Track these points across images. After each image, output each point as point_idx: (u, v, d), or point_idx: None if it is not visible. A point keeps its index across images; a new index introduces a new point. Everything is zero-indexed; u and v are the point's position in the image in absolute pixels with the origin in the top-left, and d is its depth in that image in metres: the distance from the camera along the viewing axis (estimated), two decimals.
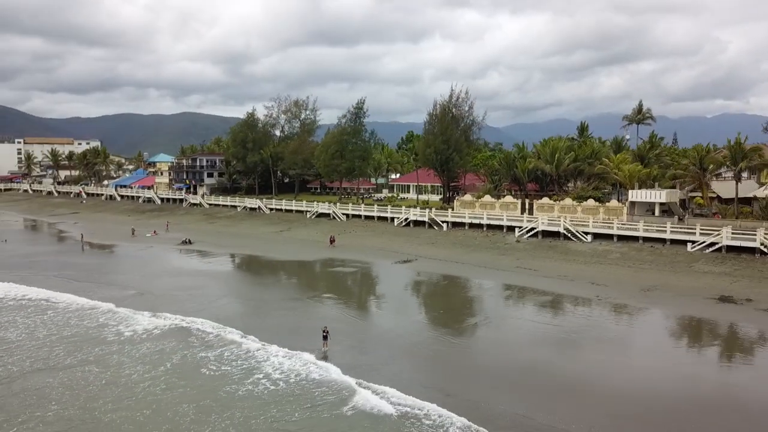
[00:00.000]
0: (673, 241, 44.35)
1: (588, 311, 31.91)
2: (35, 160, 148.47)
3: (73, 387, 21.35)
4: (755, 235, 40.60)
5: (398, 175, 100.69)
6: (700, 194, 54.25)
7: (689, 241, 43.39)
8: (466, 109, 67.49)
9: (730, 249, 41.43)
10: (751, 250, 40.57)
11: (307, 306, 33.43)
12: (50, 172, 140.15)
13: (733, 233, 41.73)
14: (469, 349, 25.93)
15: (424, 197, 78.12)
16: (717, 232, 42.20)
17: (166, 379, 22.01)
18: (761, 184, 54.69)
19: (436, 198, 75.78)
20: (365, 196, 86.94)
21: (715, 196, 53.85)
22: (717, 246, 41.88)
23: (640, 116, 79.09)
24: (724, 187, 54.49)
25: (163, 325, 28.88)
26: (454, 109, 66.18)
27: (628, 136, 77.98)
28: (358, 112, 73.76)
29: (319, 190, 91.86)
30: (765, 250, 39.85)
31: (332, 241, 55.04)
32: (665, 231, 45.06)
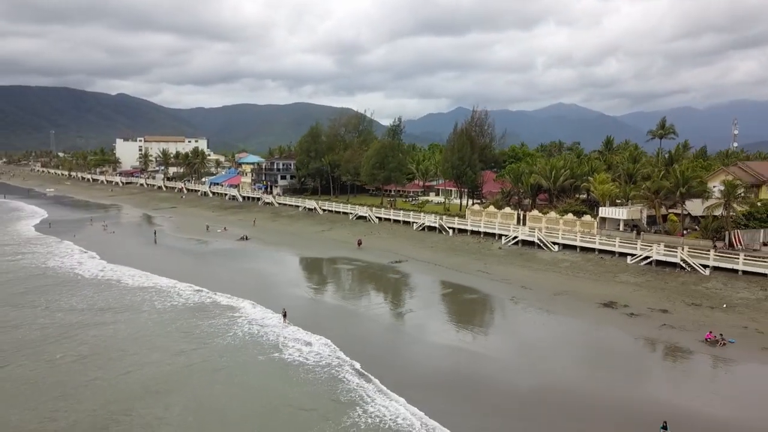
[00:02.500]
0: (621, 254, 52.38)
1: (481, 306, 42.18)
2: (151, 158, 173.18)
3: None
4: (676, 252, 48.11)
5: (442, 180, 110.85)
6: (676, 211, 60.84)
7: (630, 254, 51.40)
8: (485, 128, 76.95)
9: (660, 263, 49.13)
10: (674, 265, 48.13)
11: (292, 290, 45.97)
12: (161, 168, 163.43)
13: (665, 250, 49.34)
14: (358, 314, 37.28)
15: (456, 201, 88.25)
16: (650, 248, 49.96)
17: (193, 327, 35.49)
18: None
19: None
20: (410, 198, 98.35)
21: (687, 213, 60.20)
22: (650, 260, 49.70)
23: (662, 131, 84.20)
24: (696, 206, 60.59)
25: (194, 297, 42.67)
26: (473, 131, 75.91)
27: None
28: (396, 129, 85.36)
29: (374, 192, 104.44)
30: (683, 265, 47.34)
31: (359, 243, 67.08)
32: (614, 245, 53.20)
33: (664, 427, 23.17)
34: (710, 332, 34.02)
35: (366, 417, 24.52)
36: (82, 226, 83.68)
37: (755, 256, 45.85)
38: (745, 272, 44.52)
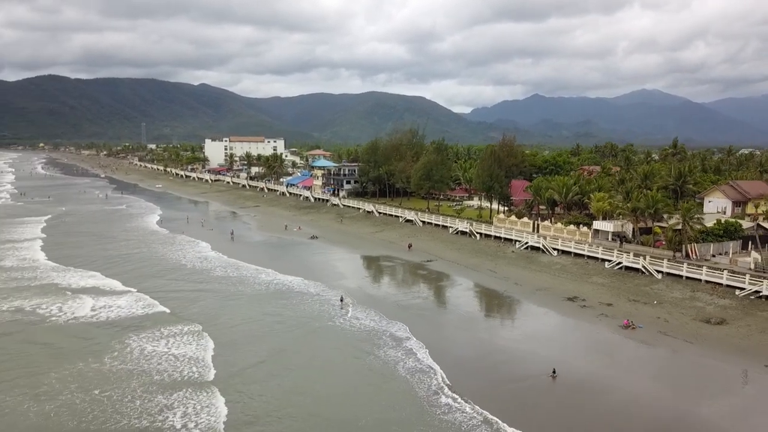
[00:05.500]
0: (602, 260, 66.84)
1: (476, 296, 58.34)
2: (235, 157, 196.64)
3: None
4: (639, 260, 62.27)
5: None
6: (661, 224, 74.11)
7: (607, 260, 65.84)
8: (514, 149, 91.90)
9: (628, 268, 63.37)
10: (638, 270, 62.29)
11: (348, 280, 63.39)
12: (245, 167, 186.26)
13: (633, 258, 63.51)
14: (387, 297, 54.19)
15: (493, 207, 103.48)
16: (622, 256, 64.27)
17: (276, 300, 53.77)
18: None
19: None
20: (456, 203, 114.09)
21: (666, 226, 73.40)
22: (622, 265, 64.02)
23: (674, 150, 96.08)
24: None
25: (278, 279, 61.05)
26: (502, 152, 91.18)
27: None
28: (440, 146, 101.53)
29: (424, 196, 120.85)
30: (644, 270, 61.49)
31: (410, 246, 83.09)
32: (598, 252, 67.71)
33: (554, 372, 38.92)
34: (627, 320, 48.96)
35: (404, 372, 41.23)
36: (187, 222, 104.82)
37: (698, 265, 59.41)
38: (687, 277, 58.25)
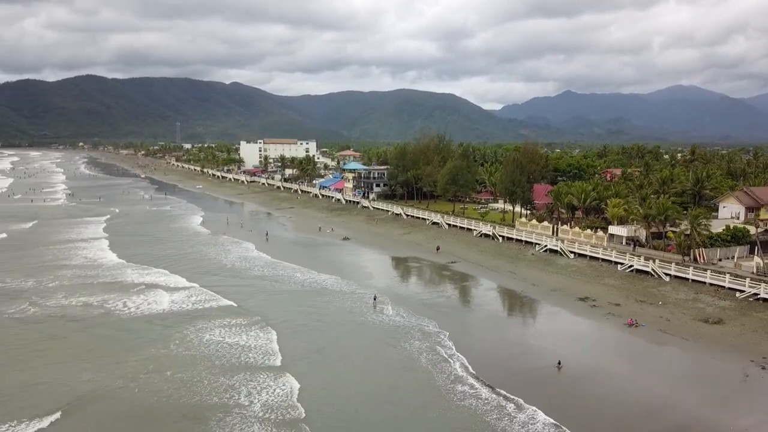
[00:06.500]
0: (615, 263, 71.56)
1: (496, 293, 63.83)
2: (269, 159, 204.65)
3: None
4: (648, 263, 66.92)
5: None
6: (674, 229, 78.41)
7: (619, 263, 70.59)
8: (537, 156, 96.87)
9: (639, 271, 68.04)
10: (647, 273, 66.94)
11: (377, 279, 69.40)
12: (279, 169, 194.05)
13: (643, 261, 68.19)
14: (413, 295, 59.98)
15: (516, 210, 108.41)
16: (634, 259, 68.95)
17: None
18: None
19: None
20: (481, 206, 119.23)
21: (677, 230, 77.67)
22: (633, 268, 68.73)
23: (692, 156, 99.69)
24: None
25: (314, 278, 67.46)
26: (524, 159, 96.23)
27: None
28: (466, 151, 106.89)
29: (451, 199, 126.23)
30: (653, 274, 66.12)
31: (438, 249, 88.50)
32: (611, 256, 72.47)
33: (559, 364, 44.35)
34: (631, 319, 54.01)
35: (436, 360, 47.31)
36: (227, 223, 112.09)
37: (703, 268, 63.89)
38: (693, 280, 62.85)
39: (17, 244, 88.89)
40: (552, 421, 35.07)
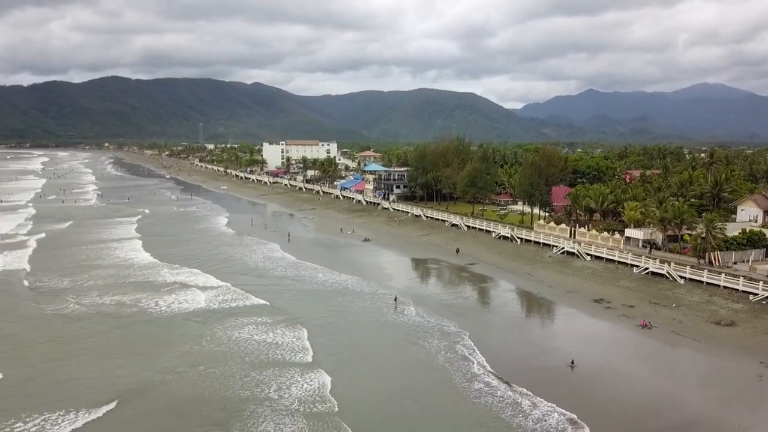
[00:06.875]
0: (631, 265, 72.95)
1: (513, 295, 65.75)
2: (292, 161, 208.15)
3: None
4: (663, 266, 68.26)
5: None
6: (691, 232, 79.50)
7: (635, 266, 71.96)
8: (555, 160, 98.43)
9: (654, 273, 69.39)
10: (662, 275, 68.27)
11: (397, 280, 71.68)
12: (301, 170, 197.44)
13: (659, 264, 69.50)
14: (432, 295, 62.12)
15: (534, 212, 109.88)
16: (648, 261, 70.31)
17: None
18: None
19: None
20: (500, 208, 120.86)
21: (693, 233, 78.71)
22: (648, 270, 70.09)
23: (710, 159, 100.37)
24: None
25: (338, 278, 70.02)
26: (542, 163, 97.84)
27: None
28: (485, 154, 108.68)
29: (470, 200, 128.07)
30: (668, 276, 67.46)
31: (457, 251, 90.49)
32: (627, 258, 73.87)
33: (572, 363, 46.25)
34: (644, 320, 55.62)
35: (456, 358, 49.56)
36: (251, 224, 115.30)
37: (718, 271, 65.08)
38: (707, 283, 64.11)
39: (55, 244, 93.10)
40: (568, 416, 37.03)
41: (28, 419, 35.91)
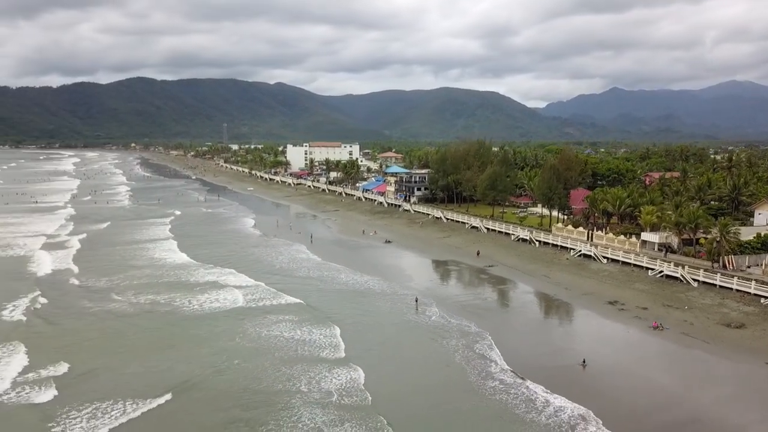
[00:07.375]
0: (646, 268, 74.96)
1: (530, 296, 68.35)
2: (315, 162, 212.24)
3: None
4: (677, 269, 70.23)
5: None
6: (707, 236, 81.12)
7: (650, 269, 73.98)
8: (573, 164, 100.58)
9: (668, 276, 71.37)
10: (676, 278, 70.22)
11: (417, 281, 74.60)
12: (324, 172, 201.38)
13: (673, 267, 71.47)
14: (451, 296, 64.88)
15: (553, 215, 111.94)
16: (663, 264, 72.30)
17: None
18: None
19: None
20: (520, 210, 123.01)
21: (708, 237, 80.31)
22: (663, 273, 72.09)
23: (729, 163, 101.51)
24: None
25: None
26: (561, 167, 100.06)
27: None
28: (505, 157, 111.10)
29: (490, 203, 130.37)
30: (682, 279, 69.42)
31: (478, 253, 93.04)
32: (642, 261, 75.90)
33: (584, 362, 48.80)
34: (655, 322, 57.86)
35: (476, 356, 52.48)
36: (276, 226, 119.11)
37: (731, 275, 66.87)
38: (720, 286, 66.01)
39: (96, 245, 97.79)
40: (580, 411, 39.72)
41: (100, 406, 39.84)
